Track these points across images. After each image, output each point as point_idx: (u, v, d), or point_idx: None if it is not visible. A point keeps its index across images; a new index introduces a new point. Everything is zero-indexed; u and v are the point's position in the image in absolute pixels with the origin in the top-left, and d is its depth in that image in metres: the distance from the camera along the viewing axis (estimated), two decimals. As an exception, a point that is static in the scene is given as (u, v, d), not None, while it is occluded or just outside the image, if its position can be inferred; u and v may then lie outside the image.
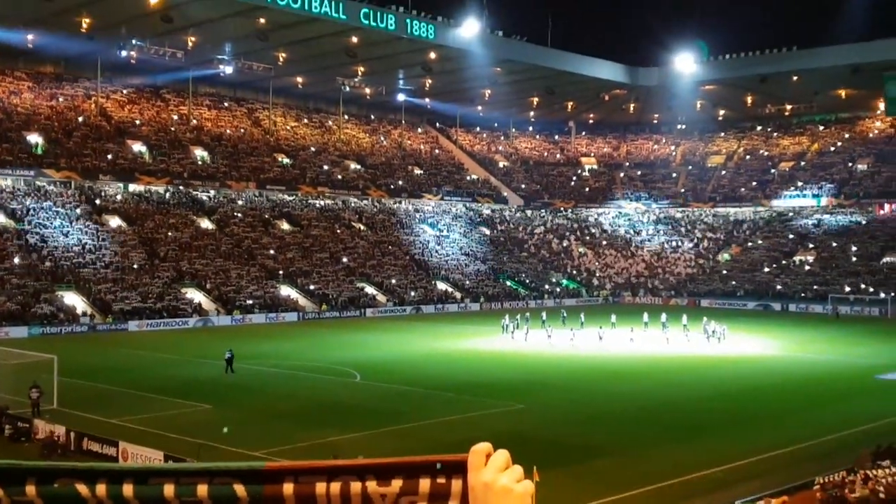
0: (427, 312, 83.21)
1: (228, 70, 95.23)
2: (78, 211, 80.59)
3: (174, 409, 35.93)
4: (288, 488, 1.56)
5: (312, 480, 1.56)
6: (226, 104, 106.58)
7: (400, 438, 30.78)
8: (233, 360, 45.41)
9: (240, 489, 1.56)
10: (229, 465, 1.58)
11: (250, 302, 75.67)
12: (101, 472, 1.58)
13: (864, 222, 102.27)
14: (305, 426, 32.70)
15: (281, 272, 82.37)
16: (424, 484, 1.54)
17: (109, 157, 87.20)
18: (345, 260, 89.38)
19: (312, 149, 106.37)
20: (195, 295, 74.38)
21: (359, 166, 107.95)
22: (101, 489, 1.56)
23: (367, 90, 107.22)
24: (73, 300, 68.68)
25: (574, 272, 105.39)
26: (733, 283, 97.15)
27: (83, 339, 60.50)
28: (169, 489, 1.56)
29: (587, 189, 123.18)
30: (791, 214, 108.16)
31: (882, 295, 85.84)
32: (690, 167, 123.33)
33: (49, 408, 34.63)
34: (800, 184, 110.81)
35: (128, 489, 1.56)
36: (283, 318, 74.74)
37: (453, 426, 32.82)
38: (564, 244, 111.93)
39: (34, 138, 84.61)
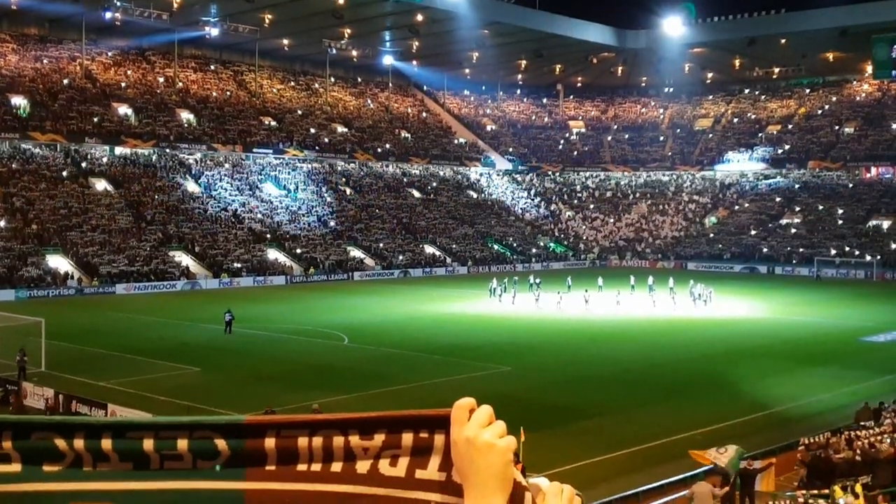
0: (415, 276, 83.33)
1: (214, 32, 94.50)
2: (64, 174, 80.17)
3: (162, 372, 36.02)
4: (270, 442, 1.55)
5: (294, 434, 1.55)
6: (212, 67, 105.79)
7: (387, 400, 30.94)
8: (232, 322, 46.04)
9: (220, 443, 1.56)
10: (210, 419, 1.57)
11: (238, 265, 75.63)
12: (78, 425, 1.57)
13: (850, 185, 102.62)
14: (293, 388, 32.83)
15: (268, 236, 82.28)
16: (407, 438, 1.54)
17: (95, 119, 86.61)
18: (332, 223, 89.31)
19: (299, 112, 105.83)
20: (183, 258, 74.28)
21: (346, 129, 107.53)
22: (78, 443, 1.55)
23: (354, 53, 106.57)
24: (60, 263, 68.53)
25: (561, 236, 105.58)
26: (720, 246, 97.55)
27: (71, 303, 60.43)
28: (148, 443, 1.56)
29: (575, 153, 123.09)
30: (777, 177, 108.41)
31: (867, 258, 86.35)
32: (678, 130, 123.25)
33: (37, 370, 34.68)
34: (787, 147, 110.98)
35: (106, 443, 1.56)
36: (270, 282, 74.77)
37: (440, 388, 33.00)
38: (552, 208, 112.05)
39: (19, 101, 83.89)
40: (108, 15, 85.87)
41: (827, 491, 19.29)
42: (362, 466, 1.55)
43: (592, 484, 21.33)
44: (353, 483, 1.54)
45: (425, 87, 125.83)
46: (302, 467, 1.56)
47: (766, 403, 31.09)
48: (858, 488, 18.78)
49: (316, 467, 1.56)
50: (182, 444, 1.55)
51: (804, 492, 19.71)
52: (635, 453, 25.54)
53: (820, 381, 35.27)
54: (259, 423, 1.56)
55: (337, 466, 1.55)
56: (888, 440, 22.20)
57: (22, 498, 1.56)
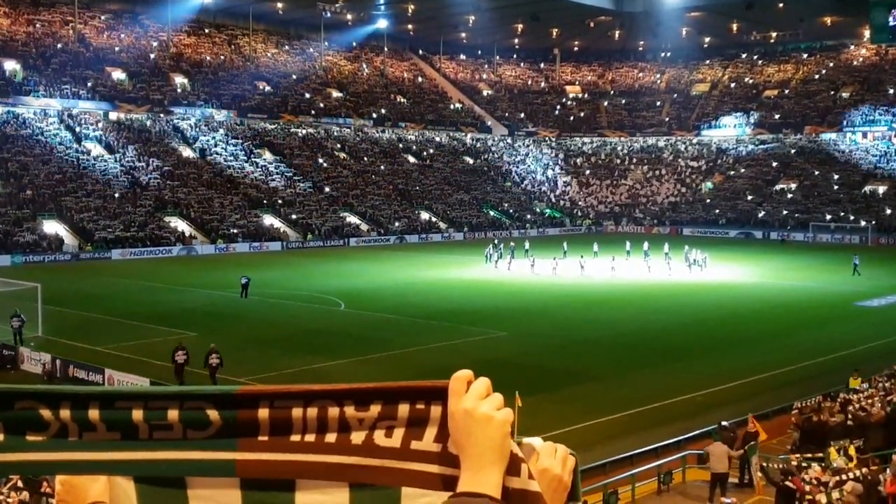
0: (411, 242, 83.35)
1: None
2: (59, 139, 79.86)
3: (159, 337, 36.03)
4: (263, 413, 1.53)
5: (288, 405, 1.53)
6: (206, 31, 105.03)
7: (384, 365, 31.10)
8: (248, 286, 46.57)
9: (212, 414, 1.53)
10: (201, 389, 1.54)
11: (234, 231, 75.59)
12: (64, 395, 1.54)
13: (846, 150, 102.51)
14: (290, 353, 32.96)
15: (264, 201, 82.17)
16: (403, 409, 1.52)
17: (89, 84, 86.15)
18: (328, 189, 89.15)
19: (293, 76, 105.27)
20: (178, 224, 74.21)
21: (341, 94, 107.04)
22: (64, 413, 1.53)
23: (349, 16, 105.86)
24: (56, 228, 68.44)
25: (557, 201, 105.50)
26: (716, 211, 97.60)
27: (67, 268, 60.40)
28: (137, 413, 1.53)
29: (571, 118, 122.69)
30: (773, 143, 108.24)
31: (863, 223, 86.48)
32: (675, 95, 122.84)
33: (34, 336, 34.74)
34: (784, 112, 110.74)
35: (93, 413, 1.53)
36: (266, 248, 74.75)
37: (437, 353, 33.14)
38: (548, 173, 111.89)
39: (12, 65, 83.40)
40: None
41: (821, 454, 19.48)
42: (357, 437, 1.52)
43: (587, 447, 21.48)
44: (348, 454, 1.52)
45: (421, 52, 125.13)
46: (295, 438, 1.53)
47: (760, 367, 31.25)
48: (852, 450, 18.97)
49: (310, 438, 1.53)
50: (172, 414, 1.52)
51: (798, 455, 19.89)
52: (630, 416, 25.73)
53: (814, 346, 35.43)
54: (252, 393, 1.54)
55: (331, 437, 1.53)
56: (879, 404, 22.39)
57: (5, 467, 1.55)
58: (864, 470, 16.14)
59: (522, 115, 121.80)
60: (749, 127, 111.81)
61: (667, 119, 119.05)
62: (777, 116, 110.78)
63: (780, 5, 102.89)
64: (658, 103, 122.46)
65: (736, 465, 20.45)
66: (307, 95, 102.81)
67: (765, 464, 19.52)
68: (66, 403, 1.53)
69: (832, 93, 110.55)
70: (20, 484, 15.46)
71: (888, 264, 64.87)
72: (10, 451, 1.53)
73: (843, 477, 15.78)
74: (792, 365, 32.07)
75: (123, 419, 1.53)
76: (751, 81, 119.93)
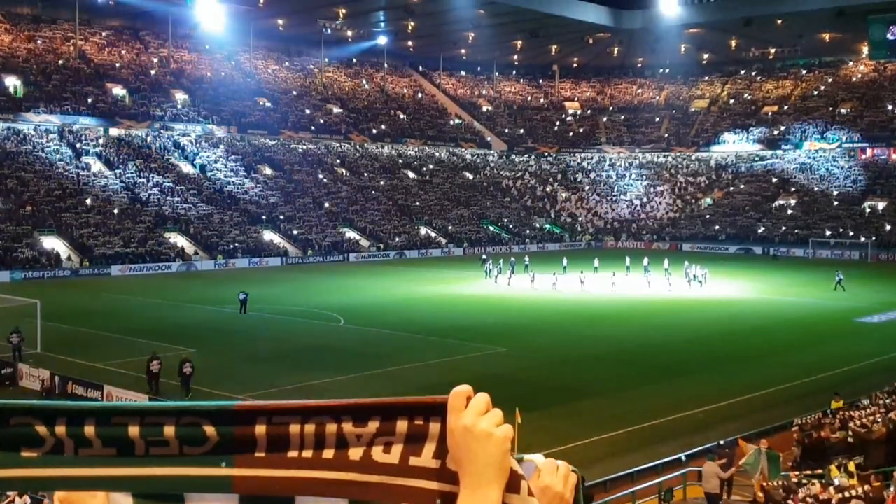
0: (410, 257, 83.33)
1: (208, 12, 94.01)
2: (59, 155, 79.90)
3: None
4: (260, 429, 1.51)
5: (286, 421, 1.51)
6: (206, 47, 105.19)
7: (383, 381, 31.02)
8: (247, 302, 46.68)
9: (209, 430, 1.51)
10: (198, 405, 1.52)
11: (234, 246, 75.55)
12: (60, 411, 1.51)
13: (845, 167, 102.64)
14: (290, 369, 32.88)
15: (264, 217, 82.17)
16: (402, 425, 1.50)
17: (89, 100, 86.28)
18: (327, 205, 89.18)
19: (294, 92, 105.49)
20: (178, 239, 74.16)
21: (341, 110, 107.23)
22: (60, 429, 1.50)
23: (349, 33, 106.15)
24: (55, 245, 68.38)
25: (557, 217, 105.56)
26: (715, 227, 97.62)
27: (66, 284, 60.31)
28: (133, 429, 1.51)
29: (571, 133, 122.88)
30: (773, 159, 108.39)
31: (863, 239, 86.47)
32: (674, 111, 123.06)
33: (33, 352, 34.65)
34: (783, 128, 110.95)
35: (89, 429, 1.51)
36: (266, 263, 74.71)
37: (436, 369, 33.08)
38: (548, 189, 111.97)
39: (12, 81, 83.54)
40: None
41: (821, 471, 19.40)
42: (355, 453, 1.51)
43: (588, 464, 21.43)
44: (346, 470, 1.51)
45: (421, 68, 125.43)
46: (293, 454, 1.52)
47: (760, 384, 31.19)
48: (852, 467, 18.88)
49: (307, 454, 1.52)
50: (169, 430, 1.51)
51: (798, 473, 19.81)
52: (630, 433, 25.66)
53: (815, 362, 35.36)
54: (249, 409, 1.52)
55: (329, 453, 1.51)
56: (880, 421, 22.31)
57: (0, 484, 1.53)
58: (867, 487, 16.06)
59: (522, 130, 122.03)
60: (748, 143, 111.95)
61: (666, 135, 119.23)
62: (776, 132, 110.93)
63: (779, 22, 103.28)
64: (657, 119, 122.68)
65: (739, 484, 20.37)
66: (307, 111, 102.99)
67: (764, 483, 19.43)
68: (61, 419, 1.51)
69: (831, 109, 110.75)
70: (17, 502, 15.37)
71: (888, 280, 64.86)
72: (5, 467, 1.50)
73: (846, 494, 15.70)
74: (793, 381, 32.01)
75: (119, 435, 1.51)
76: (750, 97, 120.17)
